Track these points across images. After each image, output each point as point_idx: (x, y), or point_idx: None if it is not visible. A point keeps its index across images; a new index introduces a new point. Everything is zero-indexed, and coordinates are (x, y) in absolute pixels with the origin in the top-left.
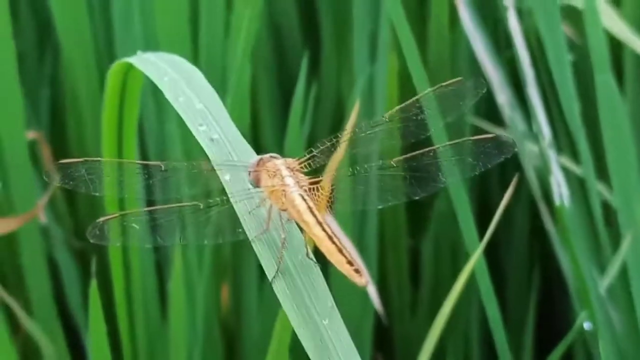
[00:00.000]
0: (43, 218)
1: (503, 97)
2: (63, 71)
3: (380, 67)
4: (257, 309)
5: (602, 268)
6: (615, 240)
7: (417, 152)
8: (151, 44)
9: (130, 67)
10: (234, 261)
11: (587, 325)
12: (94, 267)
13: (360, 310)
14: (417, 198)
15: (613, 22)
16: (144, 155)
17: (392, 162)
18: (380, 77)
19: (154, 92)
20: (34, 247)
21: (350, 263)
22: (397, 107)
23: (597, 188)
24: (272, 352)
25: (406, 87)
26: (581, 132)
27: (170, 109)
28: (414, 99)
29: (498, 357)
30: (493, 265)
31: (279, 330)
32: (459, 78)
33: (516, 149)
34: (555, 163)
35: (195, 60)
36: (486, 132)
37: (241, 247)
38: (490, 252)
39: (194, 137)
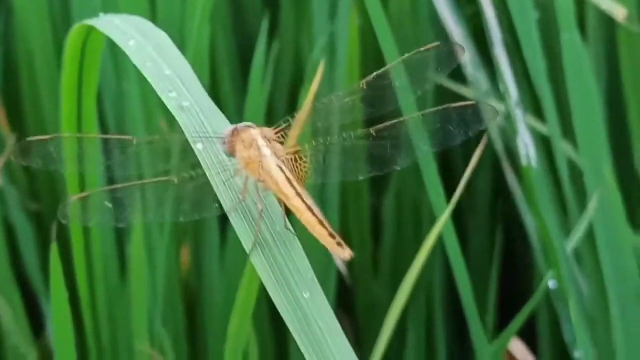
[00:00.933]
0: None
1: (466, 54)
2: (16, 32)
3: (341, 24)
4: (218, 270)
5: (568, 231)
6: (582, 201)
7: (396, 120)
8: (109, 5)
9: (90, 30)
10: (195, 223)
11: (552, 284)
12: (54, 232)
13: (323, 269)
14: (398, 168)
15: None
16: (102, 123)
17: (371, 131)
18: (341, 35)
19: (113, 56)
20: None
21: (332, 235)
22: (375, 74)
23: (563, 148)
24: (235, 318)
25: (367, 46)
26: (547, 89)
27: (130, 76)
28: (390, 65)
29: (464, 318)
30: (455, 226)
31: (243, 296)
32: (437, 43)
33: (499, 117)
34: (523, 123)
35: (152, 23)
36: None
37: None
38: (453, 213)
39: (158, 106)
